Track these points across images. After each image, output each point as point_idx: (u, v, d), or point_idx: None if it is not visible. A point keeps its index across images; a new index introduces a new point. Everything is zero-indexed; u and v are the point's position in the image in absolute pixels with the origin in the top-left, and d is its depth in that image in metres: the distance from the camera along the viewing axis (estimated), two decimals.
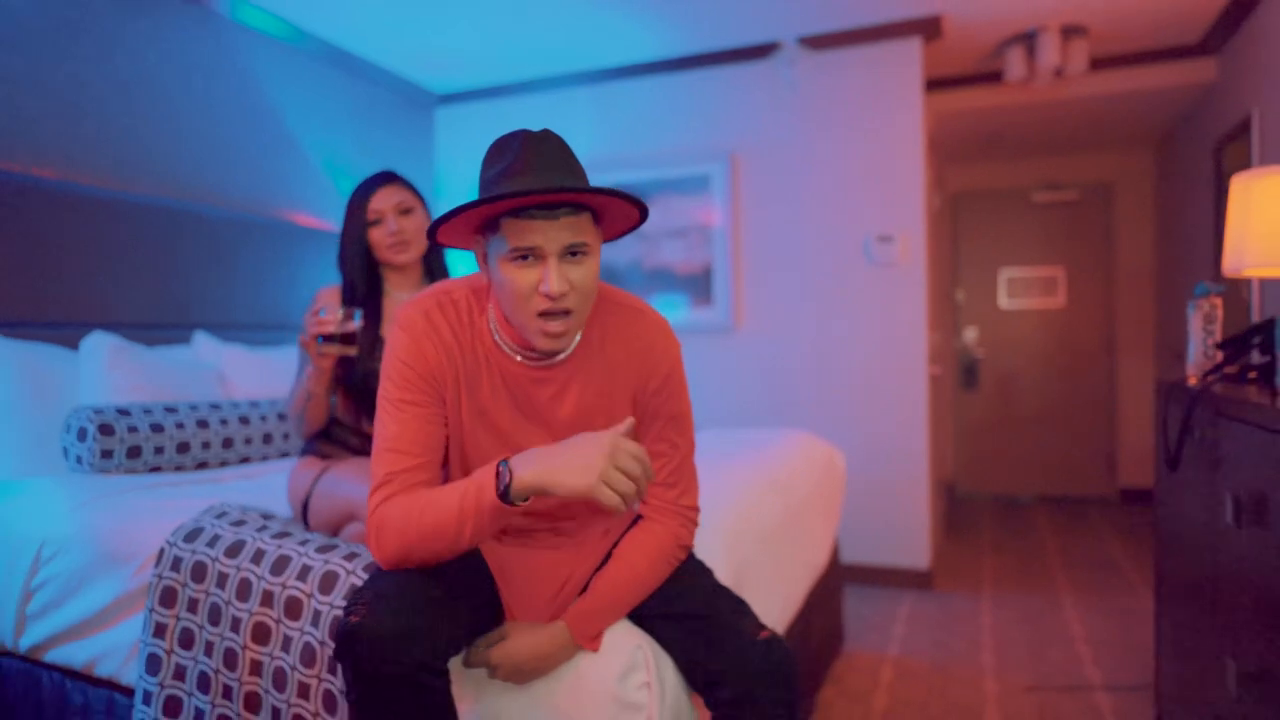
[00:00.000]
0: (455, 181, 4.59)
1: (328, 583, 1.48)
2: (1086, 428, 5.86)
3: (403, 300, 1.87)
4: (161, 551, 1.68)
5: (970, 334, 6.15)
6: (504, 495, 1.13)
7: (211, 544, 1.64)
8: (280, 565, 1.55)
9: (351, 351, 1.69)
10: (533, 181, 1.15)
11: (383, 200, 1.82)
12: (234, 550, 1.61)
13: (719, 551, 1.71)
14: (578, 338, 1.31)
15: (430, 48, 3.92)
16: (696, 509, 1.45)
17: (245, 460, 2.55)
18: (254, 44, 3.44)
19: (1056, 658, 2.94)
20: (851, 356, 3.89)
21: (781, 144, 3.99)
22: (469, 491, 1.16)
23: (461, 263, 4.08)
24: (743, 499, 2.01)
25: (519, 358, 1.30)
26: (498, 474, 1.14)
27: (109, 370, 2.37)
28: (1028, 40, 3.89)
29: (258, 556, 1.58)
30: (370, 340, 1.79)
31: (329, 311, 1.66)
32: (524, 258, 1.18)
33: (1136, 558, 4.29)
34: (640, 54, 4.08)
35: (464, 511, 1.15)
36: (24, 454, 2.24)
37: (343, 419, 1.86)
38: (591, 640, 1.32)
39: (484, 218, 1.20)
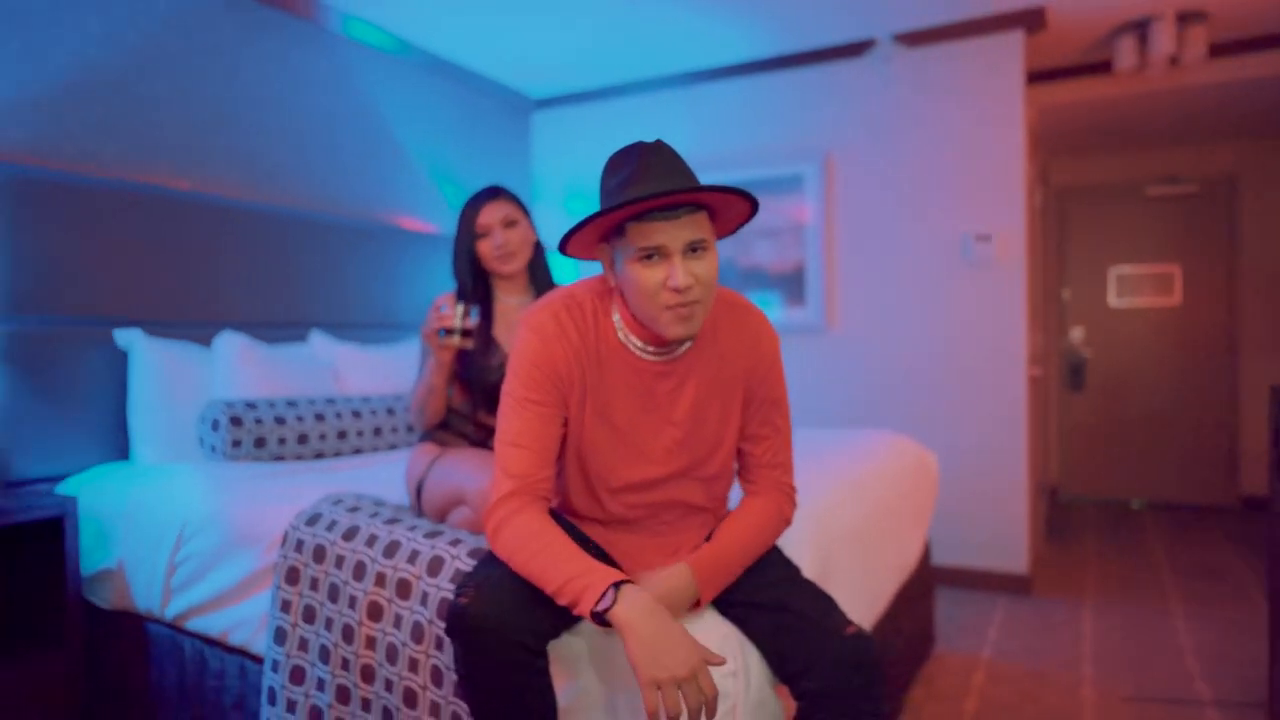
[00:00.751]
0: (552, 183, 4.73)
1: (435, 566, 1.60)
2: (1205, 432, 5.56)
3: (511, 304, 1.99)
4: (286, 534, 1.83)
5: (1077, 333, 5.93)
6: (598, 614, 1.19)
7: (330, 528, 1.78)
8: (392, 549, 1.67)
9: (469, 344, 1.83)
10: (653, 186, 1.23)
11: (489, 215, 1.94)
12: (350, 534, 1.75)
13: (805, 549, 1.75)
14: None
15: (528, 54, 4.06)
16: (795, 488, 1.54)
17: (358, 451, 2.72)
18: (365, 58, 3.64)
19: (1162, 669, 2.84)
20: (947, 357, 3.84)
21: (876, 142, 3.95)
22: (575, 580, 1.20)
23: (563, 270, 4.21)
24: (830, 498, 2.04)
25: (643, 354, 1.39)
26: (604, 593, 1.18)
27: (238, 366, 2.58)
28: (1139, 28, 3.74)
29: (371, 540, 1.71)
30: (484, 339, 1.92)
31: (449, 308, 1.81)
32: (650, 257, 1.26)
33: (1255, 568, 4.07)
34: (733, 55, 4.11)
35: (562, 591, 1.22)
36: (166, 442, 2.47)
37: (460, 410, 1.98)
38: (707, 589, 1.38)
39: (609, 226, 1.30)
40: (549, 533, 1.28)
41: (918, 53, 3.83)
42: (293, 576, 1.79)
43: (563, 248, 1.34)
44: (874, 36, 3.85)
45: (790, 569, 1.51)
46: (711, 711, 1.15)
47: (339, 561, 1.73)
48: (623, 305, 1.38)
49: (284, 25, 3.27)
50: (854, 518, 2.09)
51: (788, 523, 1.52)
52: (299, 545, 1.80)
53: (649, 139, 1.34)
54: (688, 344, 1.41)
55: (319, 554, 1.77)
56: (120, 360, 2.55)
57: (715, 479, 1.50)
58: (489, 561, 1.39)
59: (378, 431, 2.76)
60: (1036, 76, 4.19)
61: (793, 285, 4.14)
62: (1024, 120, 3.68)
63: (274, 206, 3.12)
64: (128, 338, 2.53)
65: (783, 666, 1.40)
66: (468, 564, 1.57)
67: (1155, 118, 4.77)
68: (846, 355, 4.05)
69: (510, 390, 1.38)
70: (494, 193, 1.97)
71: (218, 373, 2.59)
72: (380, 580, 1.65)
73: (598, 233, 1.32)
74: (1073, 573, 4.08)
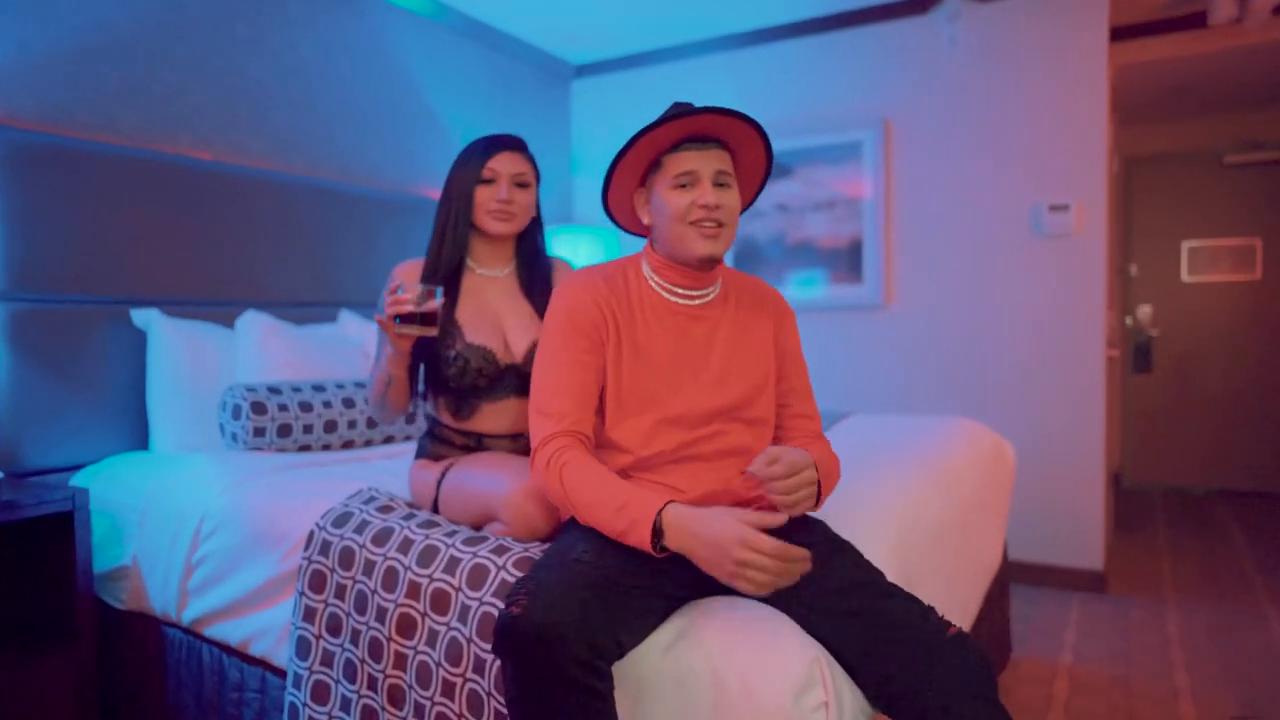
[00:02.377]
0: (592, 154, 4.50)
1: (476, 577, 1.41)
2: None
3: (482, 277, 1.76)
4: (311, 534, 1.65)
5: (1144, 312, 5.59)
6: (658, 546, 1.22)
7: (359, 530, 1.60)
8: (427, 556, 1.48)
9: (432, 332, 1.53)
10: (686, 111, 1.37)
11: (504, 163, 1.69)
12: (381, 538, 1.56)
13: (886, 551, 1.54)
14: (719, 284, 1.51)
15: (568, 17, 3.82)
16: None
17: (389, 440, 2.55)
18: (398, 21, 3.44)
19: (1266, 681, 2.58)
20: (1017, 337, 3.57)
21: (941, 106, 3.67)
22: (624, 512, 1.23)
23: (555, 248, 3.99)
24: (910, 492, 1.82)
25: (676, 298, 1.46)
26: (654, 530, 1.21)
27: (262, 348, 2.41)
28: None
29: (404, 545, 1.53)
30: (445, 321, 1.67)
31: (407, 290, 1.51)
32: (683, 185, 1.39)
33: None
34: (784, 15, 3.84)
35: (619, 530, 1.24)
36: (186, 430, 2.31)
37: (439, 417, 1.75)
38: (826, 485, 1.40)
39: (647, 166, 1.44)
40: (597, 469, 1.30)
41: (989, 8, 3.53)
42: (317, 583, 1.61)
43: (607, 183, 1.44)
44: None
45: (874, 573, 1.32)
46: (802, 561, 1.16)
47: (368, 568, 1.55)
48: (652, 254, 1.48)
49: None
50: (937, 514, 1.87)
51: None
52: (325, 548, 1.62)
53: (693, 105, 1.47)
54: (715, 289, 1.49)
55: (346, 558, 1.58)
56: (138, 341, 2.39)
57: (761, 422, 1.49)
58: (544, 567, 1.23)
59: (411, 418, 2.58)
60: (1116, 33, 3.86)
61: (847, 260, 3.88)
62: (1108, 78, 3.38)
63: (302, 178, 2.94)
64: (145, 317, 2.36)
65: (885, 687, 1.19)
66: (515, 575, 1.38)
67: (1247, 76, 4.39)
68: (905, 334, 3.79)
69: (545, 349, 1.43)
70: (515, 143, 1.72)
71: (240, 355, 2.42)
72: (413, 591, 1.47)
73: (637, 177, 1.46)
74: (1147, 567, 3.81)
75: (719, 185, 1.40)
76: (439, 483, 1.66)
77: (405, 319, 1.51)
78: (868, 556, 1.44)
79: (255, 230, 2.73)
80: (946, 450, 2.25)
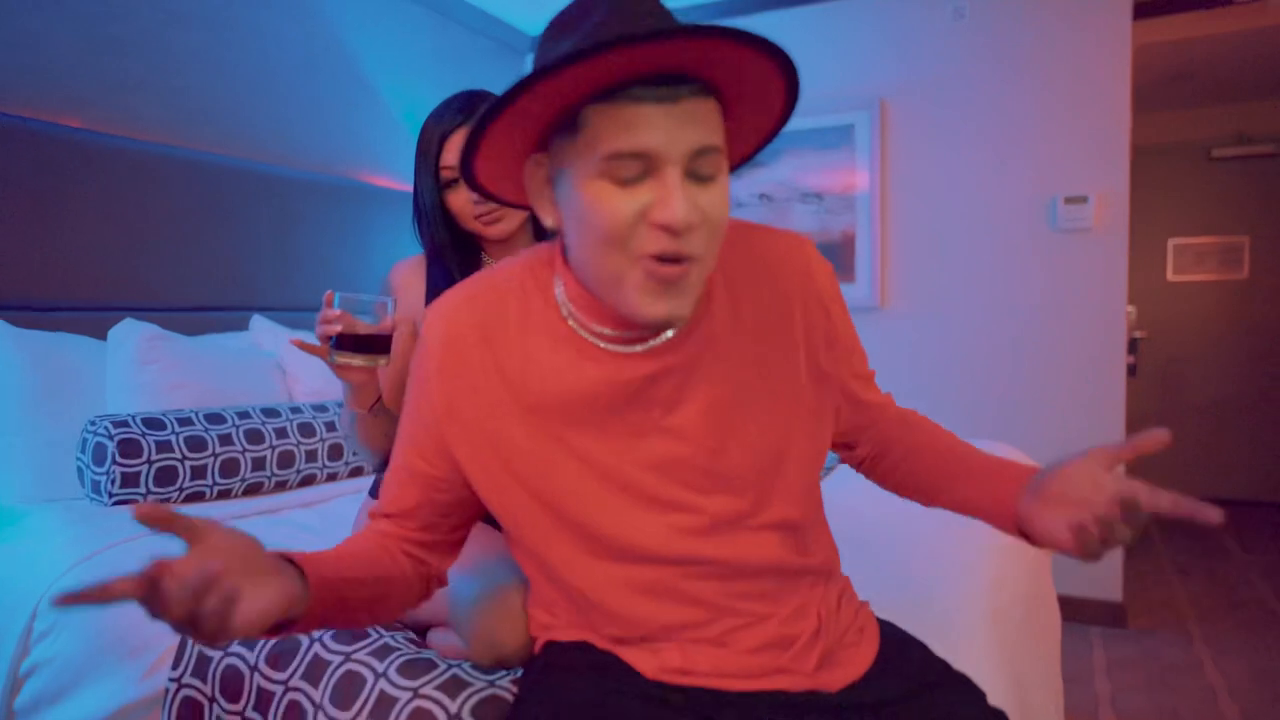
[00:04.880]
0: None
1: None
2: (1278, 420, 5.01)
3: None
4: (183, 645, 1.17)
5: (1129, 312, 5.35)
6: None
7: (250, 642, 1.12)
8: (346, 690, 1.01)
9: (380, 363, 1.13)
10: (633, 28, 0.69)
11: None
12: (281, 656, 1.08)
13: (980, 625, 1.14)
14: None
15: None
16: None
17: (308, 482, 2.03)
18: None
19: None
20: (1027, 343, 3.21)
21: (945, 86, 3.29)
22: None
23: None
24: (998, 563, 1.41)
25: (610, 347, 0.82)
26: None
27: (142, 366, 1.89)
28: None
29: (314, 670, 1.05)
30: None
31: (345, 303, 1.11)
32: (624, 177, 0.72)
33: None
34: None
35: None
36: (38, 476, 1.76)
37: None
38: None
39: (554, 117, 0.75)
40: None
41: None
42: (191, 716, 1.13)
43: (467, 163, 0.80)
44: None
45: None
46: None
47: (263, 701, 1.07)
48: (567, 272, 0.83)
49: None
50: (1021, 576, 1.47)
51: None
52: (201, 666, 1.14)
53: None
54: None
55: (231, 684, 1.10)
56: None
57: (793, 528, 0.87)
58: None
59: (335, 453, 2.08)
60: (1135, 10, 3.53)
61: (838, 257, 3.48)
62: (1131, 58, 3.03)
63: (202, 154, 2.41)
64: None
65: None
66: None
67: (1259, 63, 4.11)
68: (902, 339, 3.41)
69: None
70: (466, 113, 1.28)
71: (113, 376, 1.89)
72: None
73: (533, 134, 0.78)
74: (1161, 593, 3.50)
75: (696, 178, 0.73)
76: None
77: (342, 343, 1.10)
78: (972, 652, 1.02)
79: (139, 217, 2.20)
80: None
